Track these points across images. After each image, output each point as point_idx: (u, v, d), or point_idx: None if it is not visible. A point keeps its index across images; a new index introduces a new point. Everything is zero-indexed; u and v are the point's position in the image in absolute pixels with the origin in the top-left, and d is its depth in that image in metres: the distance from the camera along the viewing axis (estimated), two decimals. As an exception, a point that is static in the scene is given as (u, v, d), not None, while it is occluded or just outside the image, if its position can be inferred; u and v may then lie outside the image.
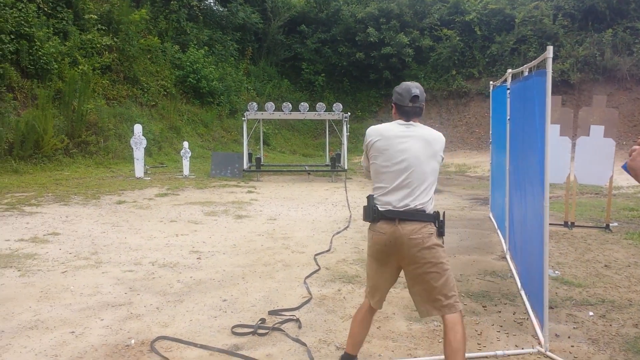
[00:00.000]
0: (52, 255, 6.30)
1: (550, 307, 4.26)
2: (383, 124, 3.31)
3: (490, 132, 8.98)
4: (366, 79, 27.37)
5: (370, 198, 3.23)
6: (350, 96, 26.76)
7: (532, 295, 4.49)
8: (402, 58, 26.18)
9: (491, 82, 8.83)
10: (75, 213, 8.87)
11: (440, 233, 3.18)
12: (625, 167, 2.06)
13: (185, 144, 14.46)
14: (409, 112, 3.26)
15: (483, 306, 4.80)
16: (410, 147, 3.17)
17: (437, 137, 3.24)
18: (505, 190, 6.50)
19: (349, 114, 15.64)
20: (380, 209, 3.18)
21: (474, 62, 25.94)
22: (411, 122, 3.26)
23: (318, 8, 28.43)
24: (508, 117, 6.26)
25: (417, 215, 3.12)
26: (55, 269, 5.80)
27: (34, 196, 10.28)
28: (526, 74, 5.06)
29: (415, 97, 3.24)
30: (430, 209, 3.18)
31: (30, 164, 13.82)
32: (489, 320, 4.46)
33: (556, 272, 5.77)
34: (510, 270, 5.86)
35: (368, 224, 3.31)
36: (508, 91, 6.31)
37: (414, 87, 3.26)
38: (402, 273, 3.33)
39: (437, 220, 3.18)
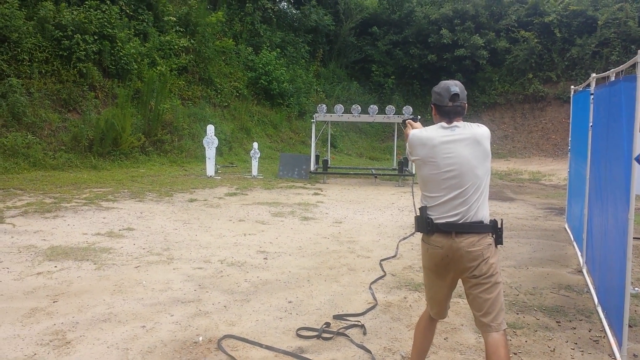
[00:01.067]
0: (126, 250, 6.54)
1: (629, 326, 4.00)
2: (425, 131, 3.09)
3: (570, 139, 8.59)
4: (437, 82, 26.76)
5: (423, 209, 3.05)
6: (421, 99, 26.39)
7: (610, 312, 4.24)
8: (476, 60, 25.56)
9: (572, 87, 8.44)
10: (149, 209, 9.18)
11: (498, 243, 3.01)
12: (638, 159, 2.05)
13: (255, 144, 14.67)
14: (449, 112, 3.03)
15: (557, 322, 4.57)
16: (459, 152, 2.94)
17: (484, 134, 3.00)
18: (585, 201, 6.17)
19: (419, 117, 15.32)
20: (435, 221, 2.99)
21: (552, 66, 24.98)
22: (454, 124, 3.01)
23: (391, 9, 28.21)
24: (590, 124, 5.95)
25: (474, 227, 2.94)
26: (129, 263, 6.01)
27: (110, 192, 10.73)
28: (613, 78, 4.79)
29: (455, 96, 3.02)
30: (487, 217, 2.99)
31: (108, 161, 14.47)
32: (563, 337, 4.24)
33: (636, 288, 5.43)
34: (587, 285, 5.56)
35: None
36: (591, 96, 5.99)
37: (453, 85, 3.05)
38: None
39: (495, 229, 3.00)
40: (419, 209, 3.08)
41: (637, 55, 3.60)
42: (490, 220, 3.01)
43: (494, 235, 3.00)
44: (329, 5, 27.30)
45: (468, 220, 2.94)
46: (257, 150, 14.54)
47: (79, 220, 8.14)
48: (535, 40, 24.82)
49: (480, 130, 3.01)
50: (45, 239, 6.94)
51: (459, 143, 2.96)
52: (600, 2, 24.48)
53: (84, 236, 7.16)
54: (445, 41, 25.56)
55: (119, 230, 7.59)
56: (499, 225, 3.02)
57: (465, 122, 3.05)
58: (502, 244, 3.04)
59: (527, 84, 25.14)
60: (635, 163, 3.57)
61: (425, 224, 3.02)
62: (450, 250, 2.96)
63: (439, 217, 2.99)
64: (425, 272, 3.23)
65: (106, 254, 6.35)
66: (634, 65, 3.62)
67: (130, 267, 5.87)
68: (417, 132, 3.12)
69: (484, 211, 2.98)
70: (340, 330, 4.25)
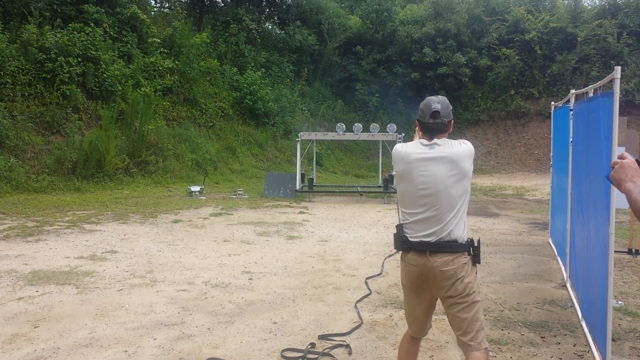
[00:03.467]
0: (109, 273, 6.46)
1: (613, 339, 4.02)
2: (406, 145, 3.07)
3: (551, 154, 8.69)
4: (421, 100, 26.93)
5: (399, 227, 3.04)
6: (405, 116, 26.56)
7: (594, 327, 4.26)
8: (458, 78, 25.88)
9: (553, 103, 8.56)
10: (133, 231, 9.10)
11: (475, 262, 2.98)
12: (608, 177, 2.16)
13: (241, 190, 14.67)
14: (430, 129, 2.99)
15: (541, 337, 4.58)
16: (434, 171, 2.91)
17: (463, 153, 2.94)
18: (567, 215, 6.23)
19: (403, 134, 15.52)
20: (410, 239, 2.98)
21: (533, 82, 25.35)
22: (435, 141, 2.97)
23: (374, 29, 28.54)
24: (571, 139, 6.02)
25: (448, 247, 2.91)
26: (112, 286, 5.93)
27: (94, 214, 10.64)
28: (591, 94, 4.86)
29: (435, 113, 2.97)
30: (462, 236, 2.95)
31: (92, 183, 14.34)
32: (548, 352, 4.24)
33: (619, 302, 5.46)
34: (571, 299, 5.58)
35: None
36: (571, 112, 6.08)
37: (435, 102, 3.01)
38: None
39: (471, 248, 2.97)
40: (396, 226, 3.08)
41: (614, 72, 3.66)
42: (467, 239, 2.98)
43: (470, 255, 2.97)
44: (313, 26, 27.56)
45: (442, 240, 2.92)
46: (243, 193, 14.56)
47: (61, 243, 8.04)
48: (517, 57, 25.19)
49: (460, 149, 2.96)
50: (26, 263, 6.84)
51: (435, 161, 2.93)
52: (580, 19, 24.96)
53: (66, 260, 7.06)
54: (428, 59, 25.88)
55: (102, 253, 7.51)
56: (476, 244, 2.99)
57: (448, 140, 3.01)
58: (479, 262, 3.02)
59: (509, 101, 25.46)
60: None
61: (401, 242, 3.02)
62: (425, 268, 2.95)
63: (414, 235, 2.98)
64: (403, 290, 3.23)
65: (88, 277, 6.26)
66: (612, 81, 3.68)
67: (112, 290, 5.79)
68: (399, 146, 3.11)
69: (459, 231, 2.95)
70: (326, 351, 4.22)
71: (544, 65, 25.18)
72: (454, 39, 26.18)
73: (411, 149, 3.02)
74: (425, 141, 3.01)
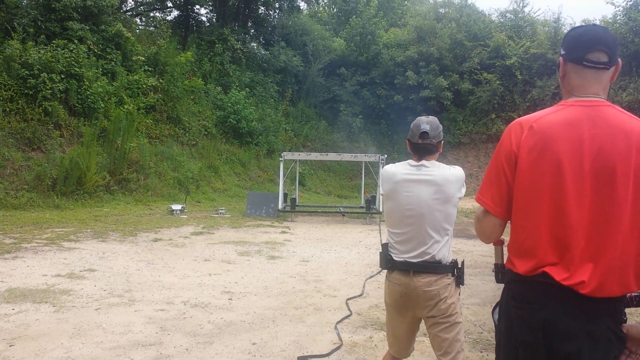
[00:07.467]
0: (87, 292, 6.37)
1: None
2: (394, 165, 3.10)
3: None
4: (403, 122, 27.48)
5: (385, 246, 3.08)
6: (388, 138, 26.86)
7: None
8: (440, 101, 26.25)
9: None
10: (112, 250, 9.01)
11: (459, 283, 3.02)
12: None
13: (223, 209, 14.62)
14: (419, 149, 3.02)
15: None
16: (418, 193, 2.93)
17: (450, 179, 2.94)
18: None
19: (386, 156, 15.64)
20: (394, 258, 3.02)
21: (514, 106, 25.75)
22: (422, 162, 2.99)
23: (358, 52, 28.94)
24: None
25: (432, 267, 2.94)
26: (89, 305, 5.85)
27: (73, 232, 10.50)
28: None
29: (424, 134, 2.99)
30: (447, 258, 2.98)
31: (72, 200, 14.17)
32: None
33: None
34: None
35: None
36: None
37: (425, 123, 3.03)
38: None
39: (455, 269, 3.00)
40: (382, 245, 3.12)
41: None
42: (451, 260, 3.02)
43: (454, 276, 3.00)
44: (297, 47, 27.84)
45: (426, 260, 2.95)
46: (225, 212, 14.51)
47: (39, 261, 7.92)
48: (497, 82, 25.60)
49: (447, 173, 2.97)
50: (3, 280, 6.72)
51: (420, 184, 2.96)
52: (559, 45, 25.42)
53: (43, 277, 6.96)
54: (410, 82, 26.25)
55: (80, 271, 7.41)
56: (460, 266, 3.02)
57: (438, 162, 3.03)
58: (463, 284, 3.05)
59: (490, 124, 25.82)
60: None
61: (385, 261, 3.07)
62: (408, 288, 2.98)
63: (399, 255, 3.02)
64: (387, 308, 3.24)
65: (66, 295, 6.18)
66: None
67: (90, 309, 5.72)
68: (388, 166, 3.15)
69: (444, 252, 2.98)
70: (305, 372, 4.20)
71: (524, 90, 25.61)
72: (436, 63, 26.60)
73: (398, 169, 3.06)
74: (413, 162, 3.06)
